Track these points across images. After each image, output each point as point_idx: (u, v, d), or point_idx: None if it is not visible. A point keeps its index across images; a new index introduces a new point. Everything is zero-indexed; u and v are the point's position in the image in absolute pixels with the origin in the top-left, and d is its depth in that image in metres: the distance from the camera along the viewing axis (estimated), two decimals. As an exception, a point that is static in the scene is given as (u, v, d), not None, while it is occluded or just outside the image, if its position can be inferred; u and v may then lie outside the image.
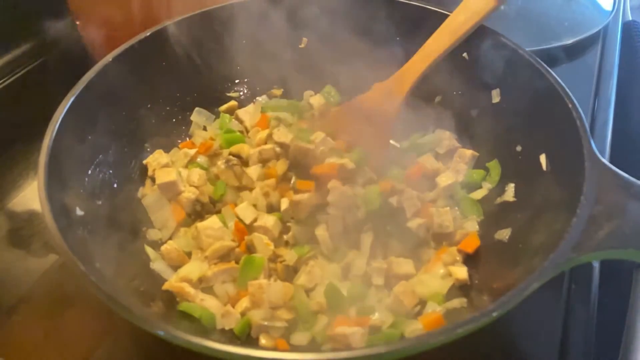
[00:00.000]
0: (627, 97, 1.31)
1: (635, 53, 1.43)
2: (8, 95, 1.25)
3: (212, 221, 0.89)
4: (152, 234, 0.92)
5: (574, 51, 1.31)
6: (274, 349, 0.76)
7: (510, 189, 0.90)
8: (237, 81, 1.14)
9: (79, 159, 0.83)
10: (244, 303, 0.81)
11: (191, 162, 1.00)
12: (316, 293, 0.83)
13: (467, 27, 0.94)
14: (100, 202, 0.85)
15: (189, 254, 0.89)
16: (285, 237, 0.90)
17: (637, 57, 1.42)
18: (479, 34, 0.96)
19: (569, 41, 1.30)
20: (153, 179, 0.95)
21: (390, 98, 1.00)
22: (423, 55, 0.98)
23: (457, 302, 0.79)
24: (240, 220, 0.91)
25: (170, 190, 0.93)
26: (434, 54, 0.96)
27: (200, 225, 0.88)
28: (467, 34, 0.94)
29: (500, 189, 0.92)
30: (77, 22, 1.26)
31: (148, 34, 0.98)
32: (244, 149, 1.01)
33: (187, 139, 1.08)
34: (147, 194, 0.94)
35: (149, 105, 1.01)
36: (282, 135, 1.00)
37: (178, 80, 1.05)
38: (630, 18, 1.56)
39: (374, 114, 1.01)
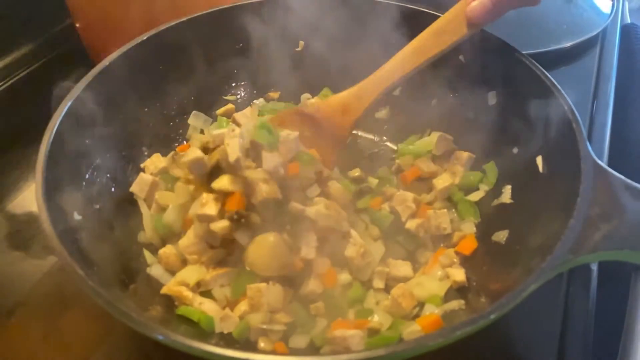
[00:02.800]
0: (626, 100, 1.31)
1: (634, 56, 1.43)
2: (7, 97, 1.25)
3: (190, 237, 0.85)
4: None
5: (573, 54, 1.32)
6: (273, 352, 0.76)
7: (507, 191, 0.90)
8: (233, 84, 1.15)
9: (76, 163, 0.83)
10: (242, 306, 0.81)
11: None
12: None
13: (435, 51, 0.90)
14: (98, 206, 0.85)
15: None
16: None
17: (636, 60, 1.42)
18: (475, 36, 0.96)
19: (568, 44, 1.30)
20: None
21: (345, 113, 0.93)
22: (385, 73, 0.92)
23: (455, 304, 0.80)
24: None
25: (143, 191, 0.92)
26: (397, 74, 0.91)
27: (181, 244, 0.85)
28: (434, 58, 0.91)
29: (497, 191, 0.92)
30: (77, 25, 1.26)
31: (145, 37, 0.98)
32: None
33: (185, 142, 1.08)
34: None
35: (146, 109, 1.01)
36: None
37: (175, 83, 1.05)
38: (629, 21, 1.56)
39: (325, 127, 0.93)
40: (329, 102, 0.96)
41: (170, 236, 0.90)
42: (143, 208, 0.92)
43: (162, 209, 0.91)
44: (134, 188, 0.93)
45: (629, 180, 0.70)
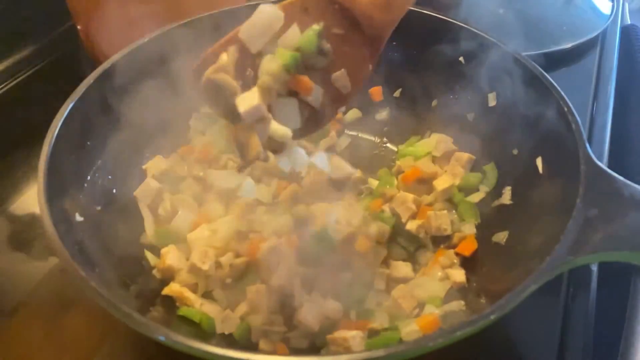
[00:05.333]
0: (626, 101, 1.31)
1: (633, 57, 1.43)
2: (9, 99, 1.25)
3: (201, 231, 0.87)
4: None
5: (573, 55, 1.31)
6: (274, 353, 0.76)
7: (507, 192, 0.90)
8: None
9: (78, 165, 0.84)
10: (243, 307, 0.81)
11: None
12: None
13: None
14: (99, 208, 0.85)
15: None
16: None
17: (636, 61, 1.42)
18: (475, 38, 0.96)
19: (568, 45, 1.30)
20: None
21: (388, 9, 0.74)
22: None
23: (455, 305, 0.80)
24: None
25: (147, 197, 0.93)
26: None
27: (189, 236, 0.87)
28: None
29: (497, 192, 0.93)
30: (78, 27, 1.26)
31: (146, 39, 0.98)
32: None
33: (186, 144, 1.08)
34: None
35: (147, 110, 1.01)
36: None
37: (176, 85, 1.05)
38: (629, 22, 1.56)
39: (361, 25, 0.74)
40: None
41: (174, 242, 0.90)
42: (144, 210, 0.92)
43: (167, 219, 0.92)
44: (137, 193, 0.93)
45: (628, 182, 0.70)
